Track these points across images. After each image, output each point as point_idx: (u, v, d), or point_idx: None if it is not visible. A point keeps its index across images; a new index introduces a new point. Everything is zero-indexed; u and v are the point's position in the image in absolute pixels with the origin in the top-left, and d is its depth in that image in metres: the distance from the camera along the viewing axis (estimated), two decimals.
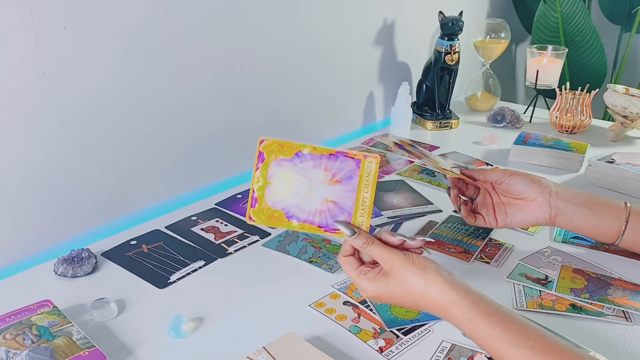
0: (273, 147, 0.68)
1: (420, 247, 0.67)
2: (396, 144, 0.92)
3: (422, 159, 0.89)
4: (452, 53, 1.34)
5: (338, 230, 0.67)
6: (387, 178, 1.13)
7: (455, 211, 0.98)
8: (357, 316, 0.73)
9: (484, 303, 0.61)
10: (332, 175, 0.68)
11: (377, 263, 0.67)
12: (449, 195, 0.87)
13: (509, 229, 0.93)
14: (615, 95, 1.27)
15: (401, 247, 0.67)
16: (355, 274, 0.67)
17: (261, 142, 0.68)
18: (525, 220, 0.83)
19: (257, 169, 0.68)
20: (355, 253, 0.69)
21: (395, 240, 0.67)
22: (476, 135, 1.35)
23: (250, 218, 0.68)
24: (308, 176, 0.67)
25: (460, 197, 0.87)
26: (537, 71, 1.40)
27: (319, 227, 0.67)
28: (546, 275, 0.81)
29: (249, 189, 1.09)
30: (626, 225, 0.80)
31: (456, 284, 0.63)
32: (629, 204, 0.81)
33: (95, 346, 0.65)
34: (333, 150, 0.68)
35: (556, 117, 1.35)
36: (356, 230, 0.66)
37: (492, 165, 1.18)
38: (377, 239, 0.66)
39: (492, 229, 0.93)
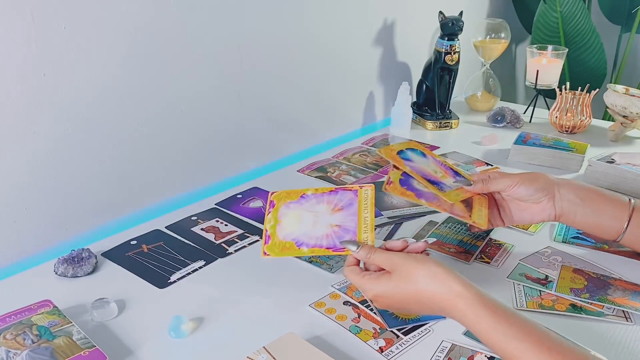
0: (281, 196, 0.78)
1: (424, 251, 0.70)
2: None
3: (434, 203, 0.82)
4: (452, 53, 1.34)
5: (344, 249, 0.70)
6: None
7: None
8: (357, 316, 0.73)
9: (487, 297, 0.62)
10: (334, 205, 0.75)
11: (382, 271, 0.69)
12: None
13: (509, 229, 0.93)
14: (615, 95, 1.27)
15: (404, 252, 0.70)
16: (359, 277, 0.69)
17: (271, 194, 0.78)
18: (531, 220, 0.85)
19: (269, 213, 0.76)
20: (360, 264, 0.71)
21: (398, 243, 0.70)
22: (476, 135, 1.35)
23: (265, 253, 0.73)
24: (313, 210, 0.75)
25: None
26: (537, 71, 1.40)
27: (327, 248, 0.72)
28: (546, 275, 0.81)
29: (249, 189, 1.10)
30: (628, 222, 0.80)
31: (459, 276, 0.64)
32: (632, 201, 0.81)
33: (95, 346, 0.65)
34: (333, 188, 0.78)
35: (556, 117, 1.35)
36: (359, 244, 0.69)
37: (492, 166, 1.18)
38: (380, 248, 0.69)
39: (492, 228, 0.93)
